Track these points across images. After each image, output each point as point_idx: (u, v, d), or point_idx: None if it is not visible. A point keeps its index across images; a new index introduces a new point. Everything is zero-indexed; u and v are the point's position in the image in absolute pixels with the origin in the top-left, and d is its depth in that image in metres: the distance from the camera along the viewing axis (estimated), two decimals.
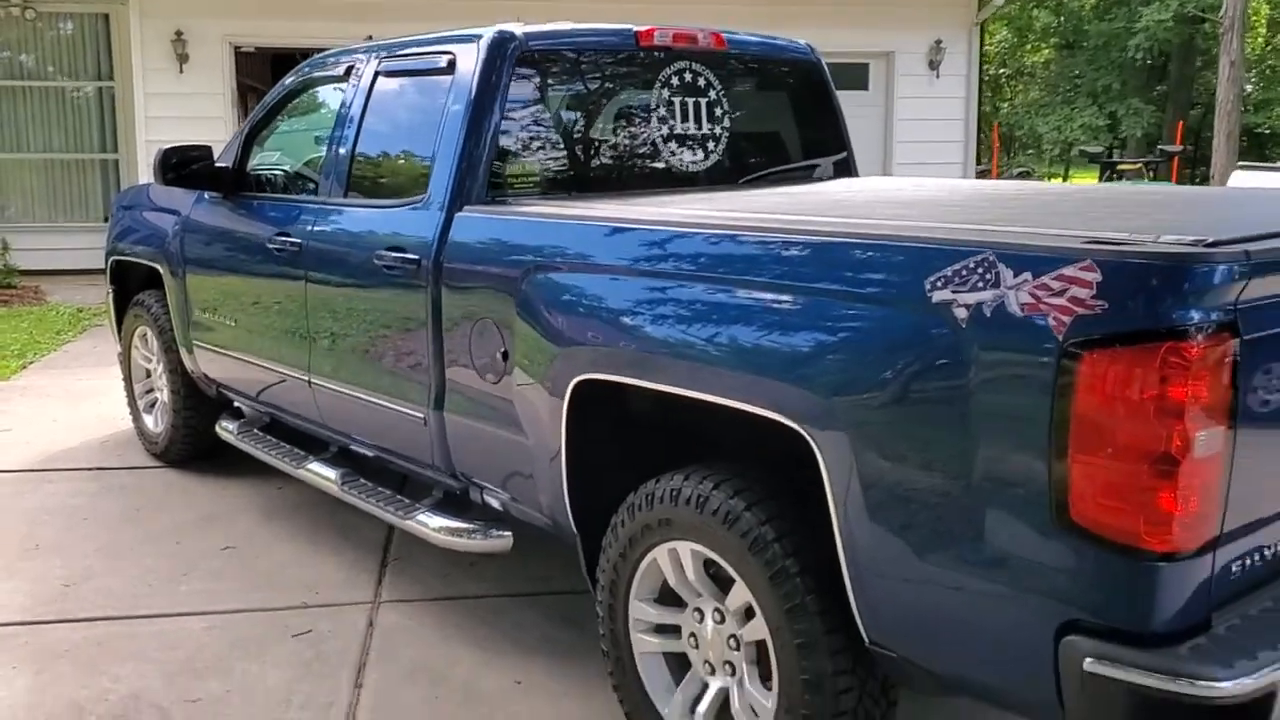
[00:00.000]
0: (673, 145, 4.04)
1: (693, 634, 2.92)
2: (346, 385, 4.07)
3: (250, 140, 4.87)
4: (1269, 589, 2.23)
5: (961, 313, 2.19)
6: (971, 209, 3.12)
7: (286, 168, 4.74)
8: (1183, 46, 26.34)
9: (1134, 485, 1.98)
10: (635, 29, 3.96)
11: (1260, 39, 29.03)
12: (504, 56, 3.65)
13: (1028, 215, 2.90)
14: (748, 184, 4.21)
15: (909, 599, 2.36)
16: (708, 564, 2.83)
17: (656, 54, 4.02)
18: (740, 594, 2.72)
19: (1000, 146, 31.28)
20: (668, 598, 2.98)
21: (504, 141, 3.65)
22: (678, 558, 2.88)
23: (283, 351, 4.42)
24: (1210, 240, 2.00)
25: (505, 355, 3.31)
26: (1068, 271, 2.05)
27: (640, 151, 3.98)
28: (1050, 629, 2.11)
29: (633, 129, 3.98)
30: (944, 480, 2.24)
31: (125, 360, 5.98)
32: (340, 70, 4.39)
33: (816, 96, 4.56)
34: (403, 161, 4.06)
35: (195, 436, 5.48)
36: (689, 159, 4.08)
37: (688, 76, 4.09)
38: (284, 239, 4.29)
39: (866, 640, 2.48)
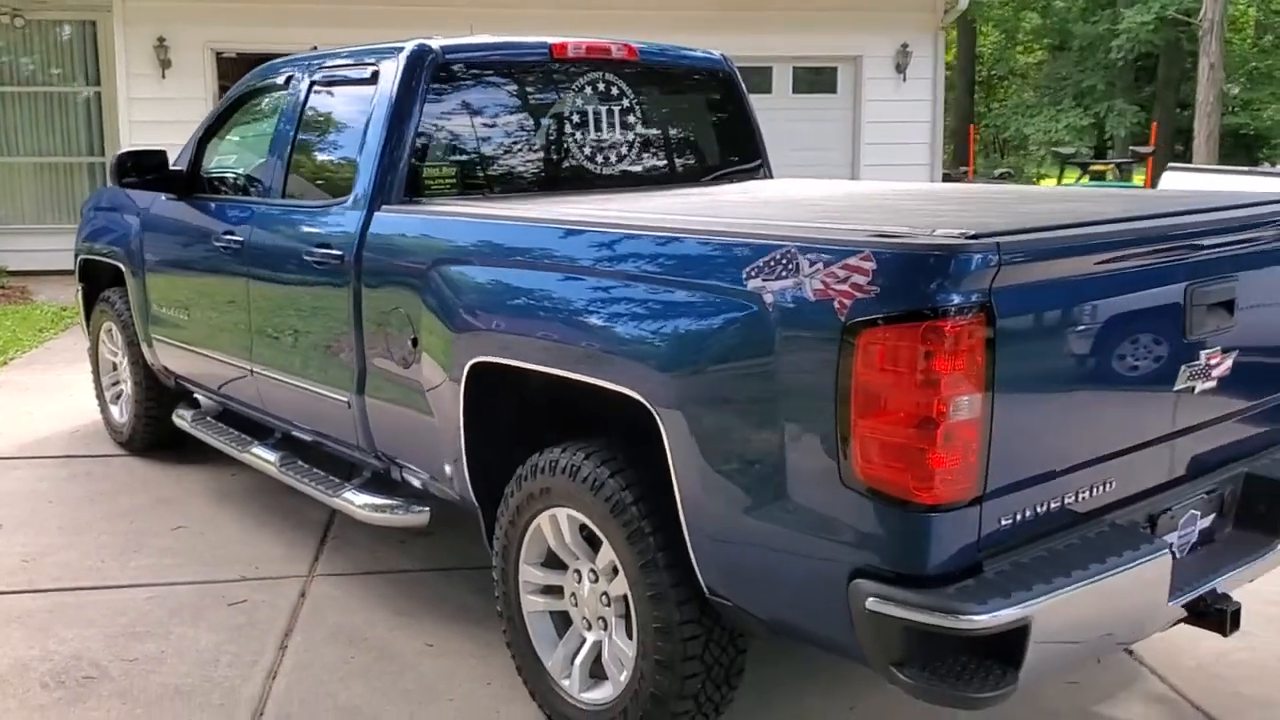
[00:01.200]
0: (586, 150, 4.34)
1: (573, 593, 3.23)
2: (283, 374, 4.37)
3: (203, 144, 5.17)
4: (1047, 541, 2.52)
5: (769, 298, 2.49)
6: (828, 209, 3.42)
7: (234, 171, 5.04)
8: (1169, 48, 26.60)
9: (903, 446, 2.28)
10: (551, 42, 4.27)
11: (1248, 41, 29.34)
12: (421, 68, 3.95)
13: (862, 213, 3.20)
14: (657, 187, 4.50)
15: (735, 552, 2.67)
16: (583, 528, 3.13)
17: (571, 65, 4.32)
18: (606, 554, 3.02)
19: (983, 148, 31.61)
20: (552, 561, 3.29)
21: (421, 147, 3.94)
22: (557, 523, 3.18)
23: (228, 344, 4.73)
24: (971, 234, 2.30)
25: (415, 342, 3.61)
26: (851, 261, 2.36)
27: (553, 156, 4.28)
28: (844, 575, 2.41)
29: (546, 135, 4.28)
30: (757, 447, 2.55)
31: (94, 354, 6.30)
32: (281, 79, 4.70)
33: (729, 104, 4.85)
34: (332, 165, 4.37)
35: (156, 426, 5.78)
36: (601, 163, 4.38)
37: (601, 86, 4.39)
38: (228, 237, 4.60)
39: (706, 591, 2.78)
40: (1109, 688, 3.53)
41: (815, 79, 13.21)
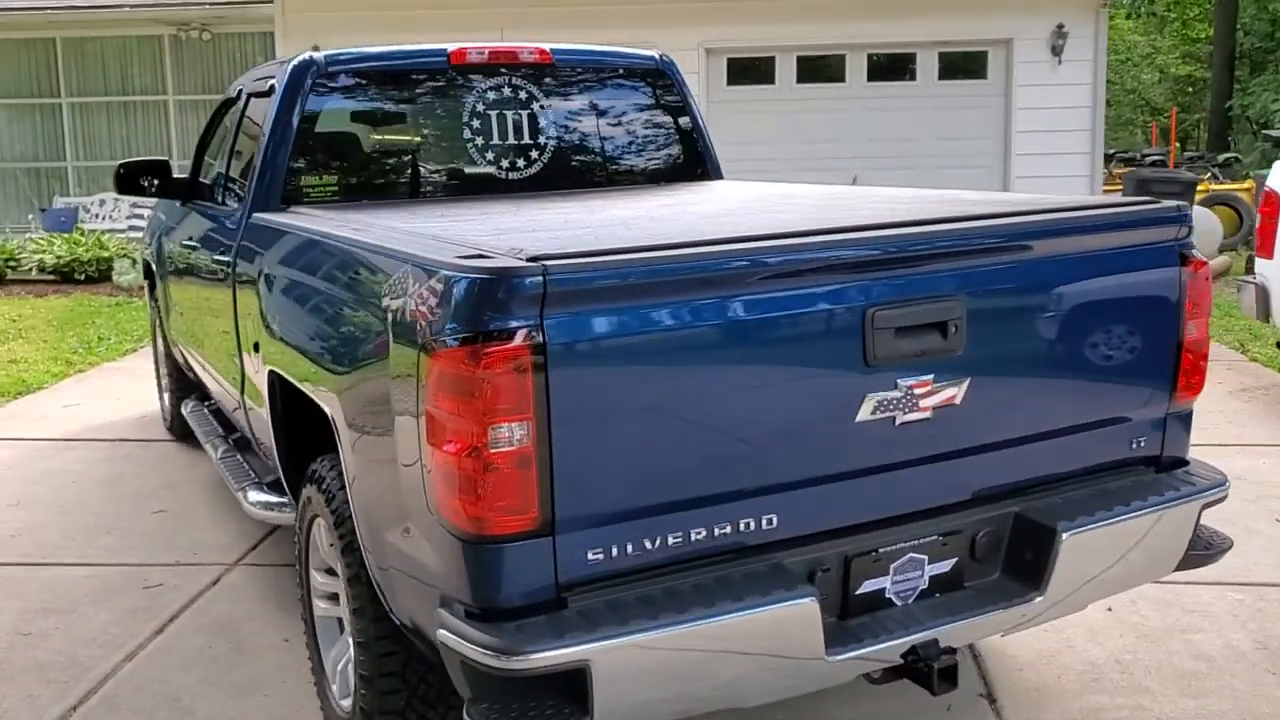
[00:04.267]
0: (488, 157, 4.34)
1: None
2: (214, 374, 4.63)
3: (200, 152, 5.53)
4: (671, 578, 2.35)
5: (390, 316, 2.45)
6: (585, 222, 3.26)
7: (205, 178, 5.36)
8: None
9: (456, 475, 2.20)
10: (449, 48, 4.30)
11: None
12: (303, 80, 4.08)
13: (554, 231, 3.04)
14: (567, 192, 4.44)
15: (381, 572, 2.64)
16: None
17: (472, 71, 4.34)
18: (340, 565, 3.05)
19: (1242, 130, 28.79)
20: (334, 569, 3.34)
21: (299, 155, 4.07)
22: (320, 532, 3.24)
23: (188, 341, 5.05)
24: (530, 255, 2.18)
25: (257, 346, 3.75)
26: (431, 283, 2.29)
27: (445, 164, 4.32)
28: (436, 603, 2.35)
29: (438, 143, 4.32)
30: (385, 468, 2.51)
31: (153, 347, 6.85)
32: (234, 91, 4.95)
33: (664, 106, 4.72)
34: (240, 173, 4.57)
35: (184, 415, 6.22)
36: (506, 170, 4.37)
37: (506, 91, 4.38)
38: (188, 240, 4.90)
39: (386, 606, 2.77)
40: None
41: (963, 65, 12.54)
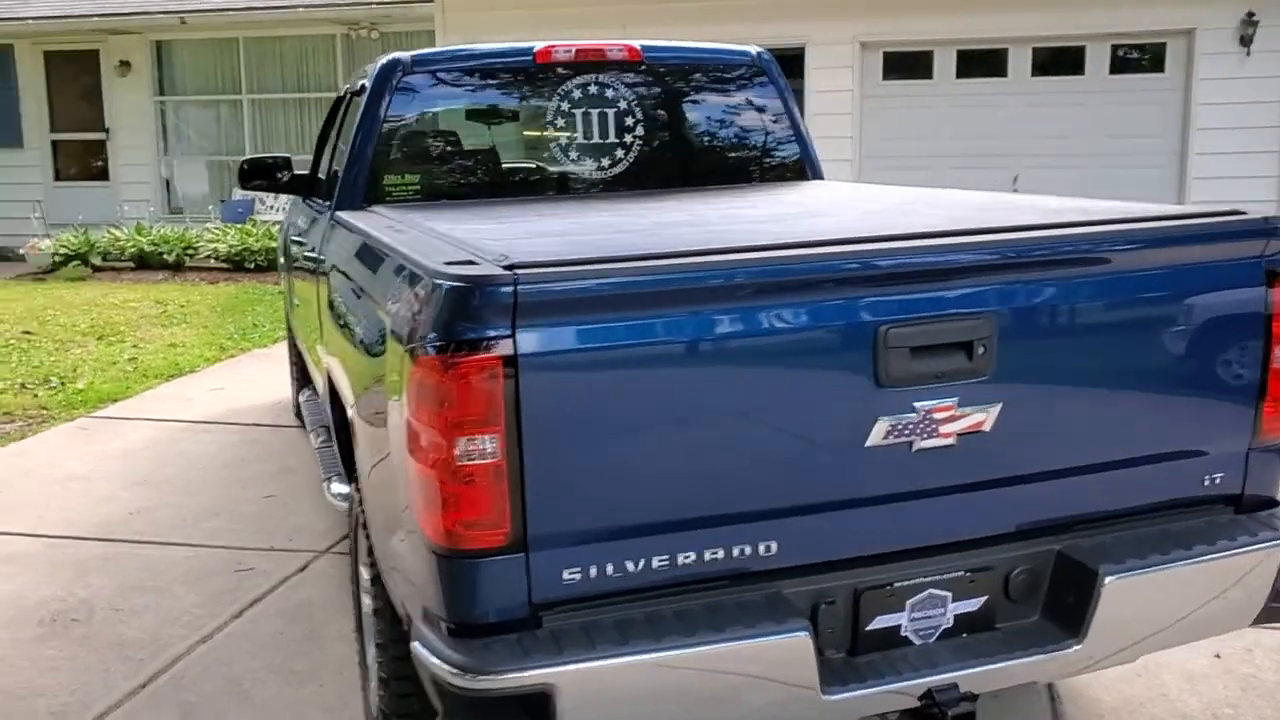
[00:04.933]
0: (571, 156, 4.31)
1: None
2: (310, 366, 4.76)
3: (319, 148, 5.69)
4: (658, 602, 2.25)
5: (389, 321, 2.43)
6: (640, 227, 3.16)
7: (321, 174, 5.51)
8: None
9: (429, 487, 2.16)
10: (535, 48, 4.28)
11: None
12: (390, 80, 4.14)
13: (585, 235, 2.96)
14: (658, 192, 4.35)
15: (390, 571, 2.63)
16: None
17: (559, 70, 4.31)
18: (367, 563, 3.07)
19: None
20: None
21: (383, 155, 4.13)
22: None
23: (298, 333, 5.21)
24: (508, 263, 2.12)
25: (325, 341, 3.83)
26: (416, 290, 2.26)
27: (528, 163, 4.30)
28: (420, 615, 2.32)
29: (521, 142, 4.30)
30: (387, 474, 2.49)
31: (288, 337, 7.12)
32: (344, 91, 5.07)
33: (759, 102, 4.58)
34: (335, 171, 4.66)
35: None
36: (591, 169, 4.33)
37: (593, 90, 4.33)
38: (297, 235, 5.06)
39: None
40: None
41: (1137, 57, 11.80)
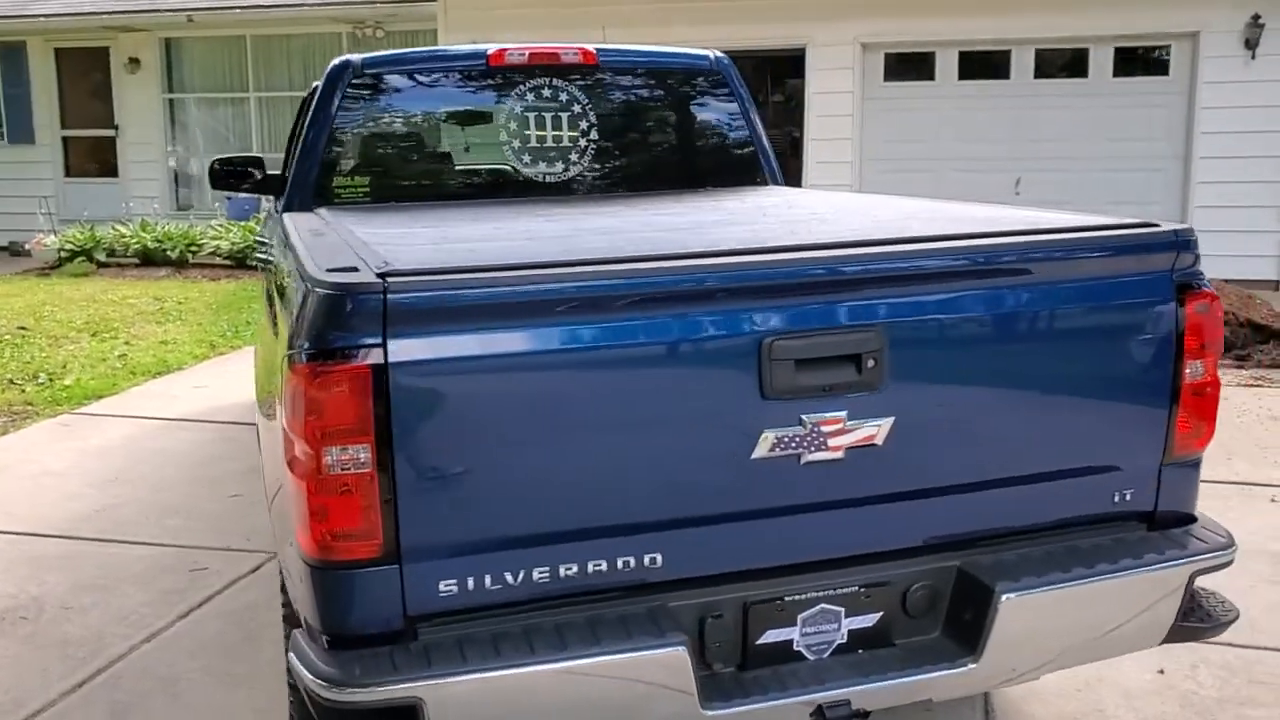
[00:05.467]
0: (524, 158, 4.29)
1: None
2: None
3: (288, 149, 5.71)
4: (539, 615, 2.23)
5: (286, 328, 2.42)
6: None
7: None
8: None
9: (299, 497, 2.14)
10: (489, 49, 4.27)
11: None
12: (338, 83, 4.14)
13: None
14: (605, 196, 4.34)
15: (288, 578, 2.62)
16: None
17: (511, 73, 4.29)
18: None
19: None
20: None
21: (330, 158, 4.13)
22: None
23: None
24: (382, 270, 2.10)
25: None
26: (300, 295, 2.24)
27: (476, 166, 4.29)
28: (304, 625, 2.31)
29: (472, 145, 4.29)
30: (276, 481, 2.48)
31: None
32: (308, 92, 5.08)
33: (714, 107, 4.55)
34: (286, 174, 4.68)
35: None
36: (538, 172, 4.31)
37: (545, 93, 4.32)
38: (260, 235, 5.07)
39: None
40: None
41: (1141, 60, 11.68)
